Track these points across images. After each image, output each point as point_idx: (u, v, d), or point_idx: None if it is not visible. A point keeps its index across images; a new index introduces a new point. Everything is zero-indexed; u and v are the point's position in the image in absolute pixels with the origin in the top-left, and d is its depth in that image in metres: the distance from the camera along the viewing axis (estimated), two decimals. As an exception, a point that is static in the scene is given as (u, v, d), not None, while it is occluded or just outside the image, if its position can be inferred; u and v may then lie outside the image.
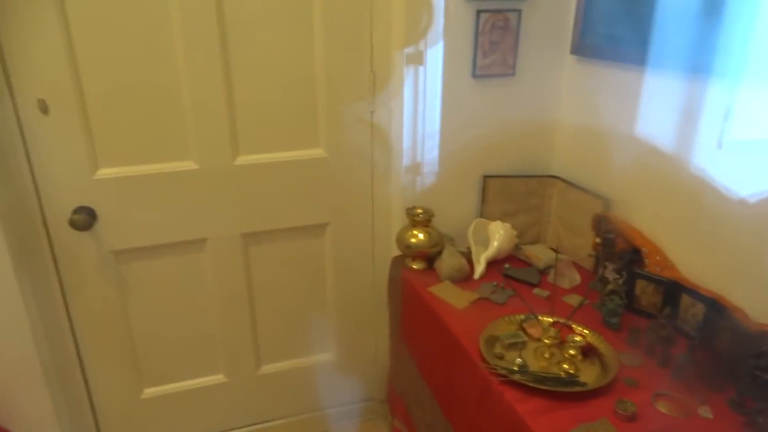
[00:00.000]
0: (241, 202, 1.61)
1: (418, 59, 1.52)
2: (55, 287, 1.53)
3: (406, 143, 1.60)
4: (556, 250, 1.58)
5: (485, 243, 1.61)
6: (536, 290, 1.47)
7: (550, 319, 1.29)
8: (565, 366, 1.13)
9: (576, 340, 1.15)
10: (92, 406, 1.70)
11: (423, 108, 1.57)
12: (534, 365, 1.15)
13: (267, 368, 1.84)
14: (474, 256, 1.60)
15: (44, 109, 1.38)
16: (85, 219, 1.46)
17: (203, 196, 1.56)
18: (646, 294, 1.31)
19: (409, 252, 1.61)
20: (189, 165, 1.53)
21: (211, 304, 1.70)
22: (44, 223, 1.47)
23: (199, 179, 1.54)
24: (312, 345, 1.87)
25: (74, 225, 1.46)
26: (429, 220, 1.60)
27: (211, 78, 1.45)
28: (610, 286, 1.31)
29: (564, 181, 1.65)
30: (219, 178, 1.56)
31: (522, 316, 1.31)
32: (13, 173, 1.38)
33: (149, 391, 1.74)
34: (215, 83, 1.46)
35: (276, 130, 1.57)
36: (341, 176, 1.68)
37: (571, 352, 1.14)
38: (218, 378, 1.80)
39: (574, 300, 1.42)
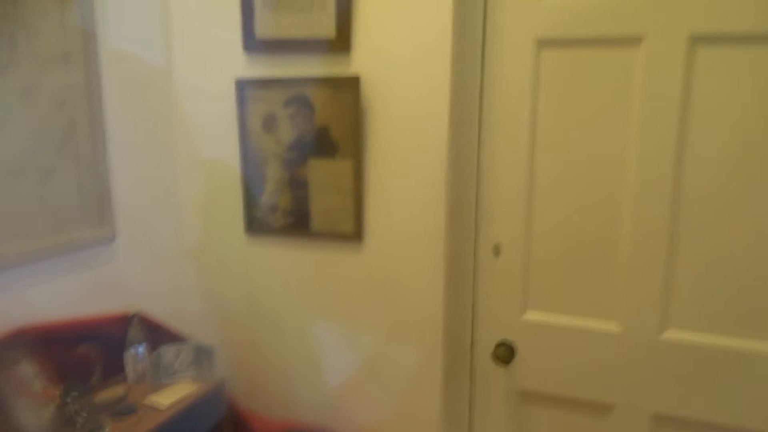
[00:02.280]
0: (662, 378, 1.46)
1: None
2: (465, 406, 1.67)
3: None
4: None
5: None
6: None
7: None
8: None
9: None
10: None
11: None
12: None
13: None
14: None
15: (497, 252, 1.57)
16: (505, 354, 1.57)
17: (620, 361, 1.49)
18: None
19: None
20: (611, 326, 1.49)
21: (602, 477, 1.56)
22: (471, 349, 1.63)
23: (618, 343, 1.48)
24: None
25: (495, 358, 1.58)
26: None
27: (652, 240, 1.42)
28: None
29: None
30: (640, 347, 1.46)
31: None
32: (462, 303, 1.60)
33: None
34: (656, 245, 1.42)
35: (716, 307, 1.39)
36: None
37: None
38: None
39: None
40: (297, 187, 1.55)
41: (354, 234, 1.53)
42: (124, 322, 1.47)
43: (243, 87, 1.53)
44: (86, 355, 1.41)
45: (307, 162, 1.52)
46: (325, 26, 1.43)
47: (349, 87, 1.44)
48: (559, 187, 1.47)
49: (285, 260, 1.64)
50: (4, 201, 1.22)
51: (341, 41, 1.42)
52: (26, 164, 1.25)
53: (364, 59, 1.44)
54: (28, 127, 1.25)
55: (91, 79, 1.39)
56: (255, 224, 1.62)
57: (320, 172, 1.52)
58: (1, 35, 1.19)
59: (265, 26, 1.49)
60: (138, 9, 1.54)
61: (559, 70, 1.43)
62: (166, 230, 1.69)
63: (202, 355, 1.49)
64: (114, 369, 1.47)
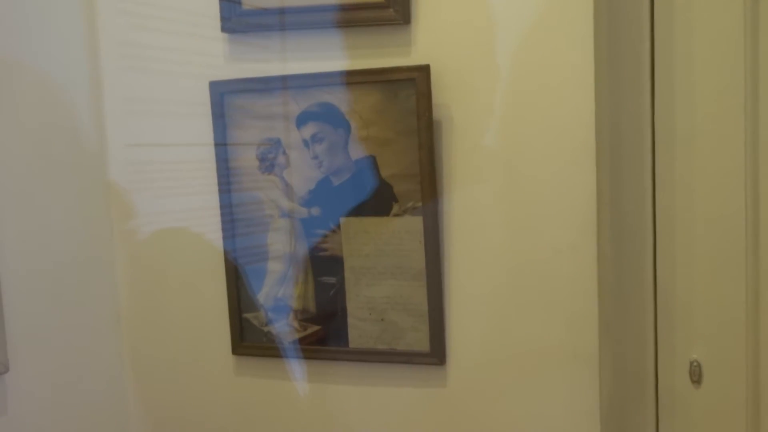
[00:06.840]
0: None
1: None
2: None
3: None
4: None
5: None
6: None
7: None
8: None
9: None
10: None
11: None
12: None
13: None
14: None
15: (696, 376, 1.01)
16: None
17: None
18: None
19: None
20: None
21: None
22: None
23: None
24: None
25: None
26: None
27: None
28: None
29: None
30: None
31: None
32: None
33: None
34: None
35: None
36: None
37: None
38: None
39: None
40: (323, 269, 1.12)
41: (430, 352, 1.09)
42: None
43: (222, 94, 1.09)
44: None
45: (341, 224, 1.09)
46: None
47: (410, 85, 1.01)
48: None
49: (303, 400, 1.16)
50: None
51: (394, 6, 1.01)
52: None
53: (437, 36, 1.03)
54: None
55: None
56: (250, 338, 1.17)
57: (364, 241, 1.09)
58: None
59: (260, -12, 1.08)
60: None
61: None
62: (96, 351, 1.24)
63: None
64: None
